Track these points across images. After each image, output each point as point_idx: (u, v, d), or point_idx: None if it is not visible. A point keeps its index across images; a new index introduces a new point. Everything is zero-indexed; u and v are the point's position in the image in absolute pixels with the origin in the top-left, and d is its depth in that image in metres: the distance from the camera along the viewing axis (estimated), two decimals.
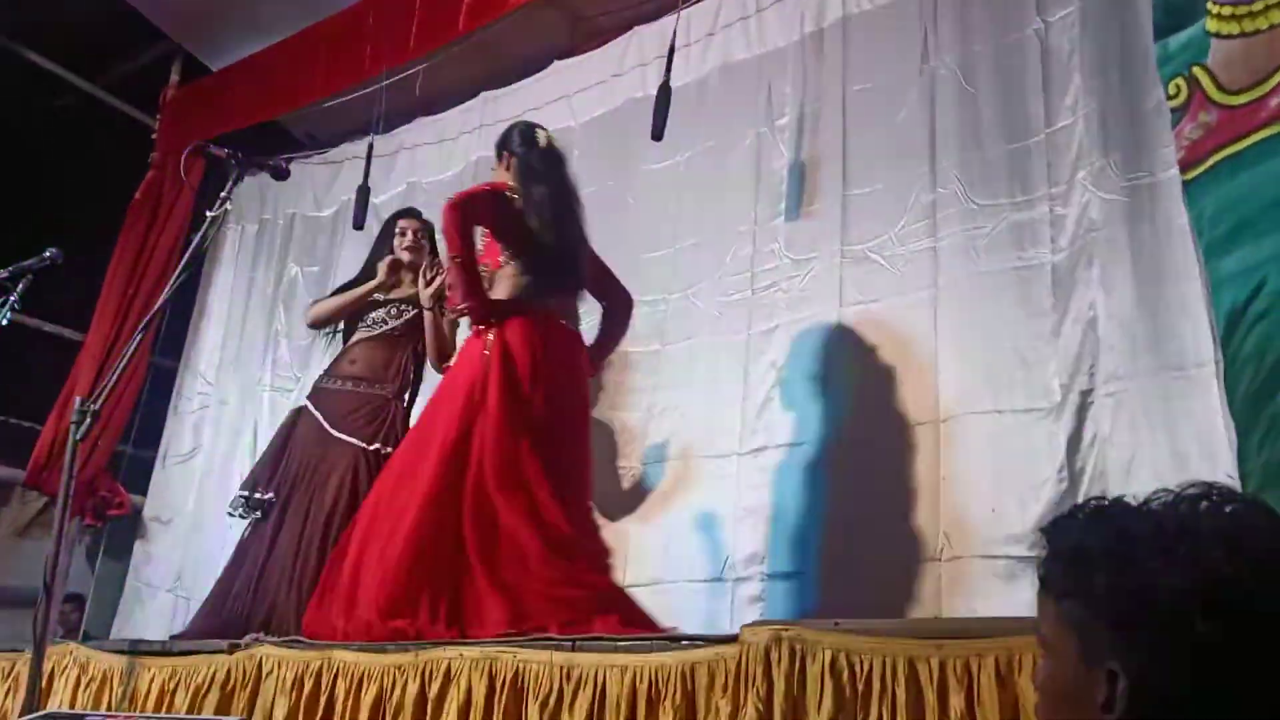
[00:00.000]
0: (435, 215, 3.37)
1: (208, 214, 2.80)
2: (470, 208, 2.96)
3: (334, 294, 3.86)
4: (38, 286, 2.96)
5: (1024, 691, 1.54)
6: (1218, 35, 2.15)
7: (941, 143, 3.34)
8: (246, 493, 3.56)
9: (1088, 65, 3.06)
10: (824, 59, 3.75)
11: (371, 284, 3.66)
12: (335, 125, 5.42)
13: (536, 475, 2.74)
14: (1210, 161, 2.12)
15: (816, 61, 3.77)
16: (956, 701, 1.59)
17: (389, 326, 3.64)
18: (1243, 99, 2.09)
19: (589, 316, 3.28)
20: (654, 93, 3.55)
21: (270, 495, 3.49)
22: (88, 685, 3.01)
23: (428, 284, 3.50)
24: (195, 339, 5.75)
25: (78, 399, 2.41)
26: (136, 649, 3.10)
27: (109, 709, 2.86)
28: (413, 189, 4.90)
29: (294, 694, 2.47)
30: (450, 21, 4.49)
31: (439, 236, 3.35)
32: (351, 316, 3.71)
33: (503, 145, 3.13)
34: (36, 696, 2.31)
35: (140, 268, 5.51)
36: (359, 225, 4.30)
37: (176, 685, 2.79)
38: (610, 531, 3.59)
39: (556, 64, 4.65)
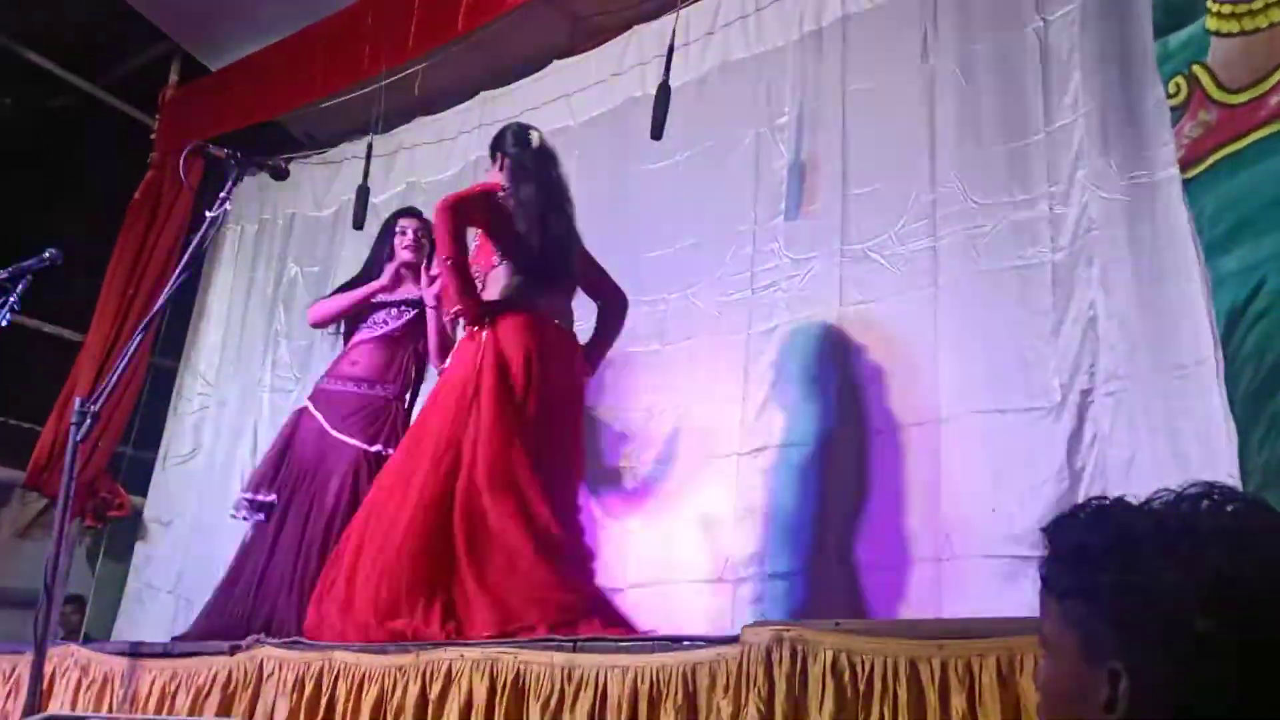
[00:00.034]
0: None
1: (207, 214, 2.79)
2: (462, 209, 2.97)
3: (335, 293, 3.86)
4: (37, 287, 2.96)
5: (1026, 691, 1.54)
6: (1217, 34, 2.15)
7: (941, 142, 3.34)
8: (249, 495, 3.56)
9: (1088, 63, 3.05)
10: (823, 58, 3.75)
11: (375, 284, 3.66)
12: (334, 125, 5.41)
13: (527, 476, 2.75)
14: (1210, 160, 2.12)
15: (816, 61, 3.77)
16: (958, 702, 1.59)
17: (390, 327, 3.64)
18: (1243, 97, 2.09)
19: (588, 317, 3.28)
20: (653, 92, 3.55)
21: (273, 497, 3.49)
22: (89, 687, 3.01)
23: (430, 283, 3.50)
24: (195, 339, 5.75)
25: (78, 400, 2.41)
26: (137, 651, 3.09)
27: (110, 711, 2.86)
28: (412, 188, 4.90)
29: (295, 695, 2.47)
30: (449, 21, 4.49)
31: None
32: (353, 317, 3.71)
33: (496, 146, 3.15)
34: (37, 698, 2.31)
35: (140, 268, 5.51)
36: (359, 225, 4.30)
37: (177, 687, 2.79)
38: (610, 531, 3.60)
39: (556, 63, 4.65)
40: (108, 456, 5.37)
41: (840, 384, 3.37)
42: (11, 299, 2.90)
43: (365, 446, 3.48)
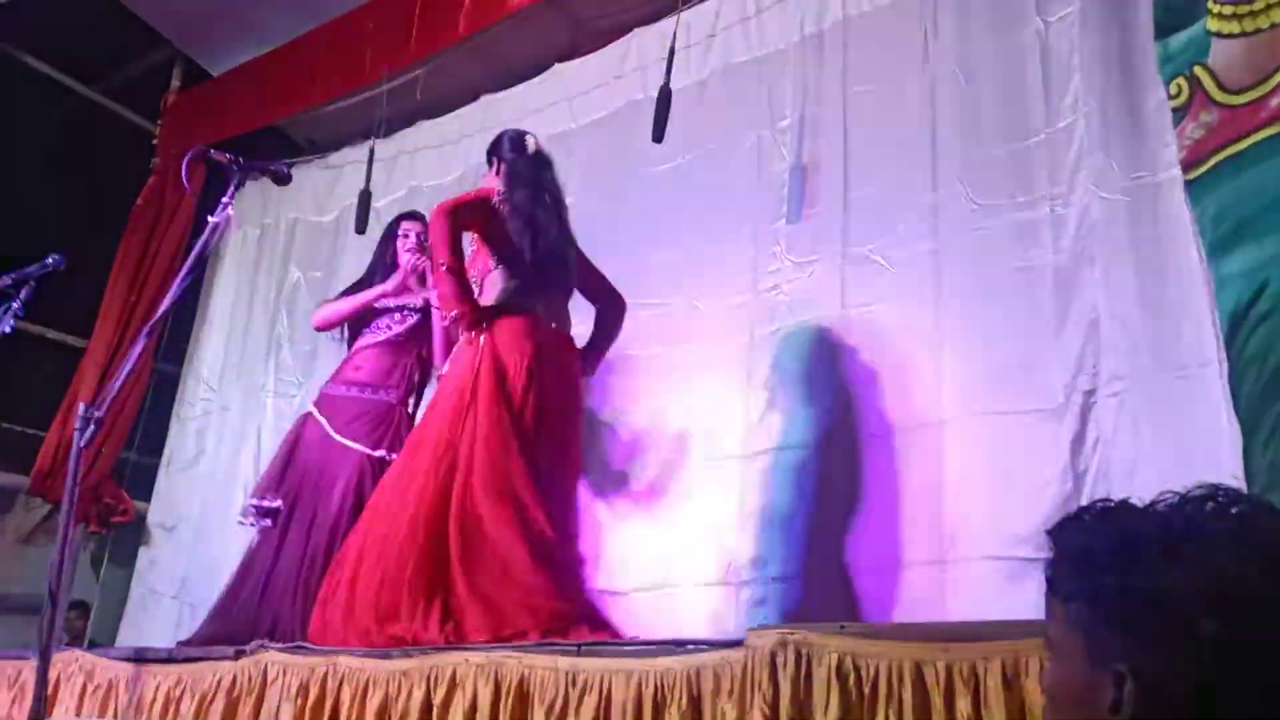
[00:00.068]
0: None
1: (209, 219, 2.79)
2: (459, 215, 2.99)
3: (340, 296, 3.86)
4: (40, 293, 2.96)
5: (1031, 694, 1.53)
6: (1219, 35, 2.15)
7: (942, 143, 3.34)
8: (256, 500, 3.56)
9: (1088, 64, 3.05)
10: (824, 61, 3.75)
11: (380, 288, 3.66)
12: (336, 129, 5.43)
13: (524, 481, 2.75)
14: (1212, 161, 2.12)
15: (817, 63, 3.77)
16: (963, 705, 1.59)
17: (394, 332, 3.64)
18: (1244, 98, 2.09)
19: (586, 320, 3.28)
20: (654, 95, 3.55)
21: (280, 503, 3.49)
22: (94, 693, 3.01)
23: (434, 285, 3.50)
24: (198, 344, 5.75)
25: (81, 405, 2.41)
26: (142, 656, 3.10)
27: (115, 716, 2.86)
28: (414, 192, 4.90)
29: (299, 700, 2.47)
30: (450, 24, 4.50)
31: None
32: (357, 322, 3.71)
33: (493, 152, 3.19)
34: (42, 704, 2.31)
35: (142, 274, 5.52)
36: (361, 229, 4.30)
37: (182, 693, 2.79)
38: (614, 534, 3.60)
39: (557, 66, 4.65)
40: (111, 462, 5.37)
41: (843, 386, 3.37)
42: (15, 305, 2.90)
43: (369, 451, 3.48)
